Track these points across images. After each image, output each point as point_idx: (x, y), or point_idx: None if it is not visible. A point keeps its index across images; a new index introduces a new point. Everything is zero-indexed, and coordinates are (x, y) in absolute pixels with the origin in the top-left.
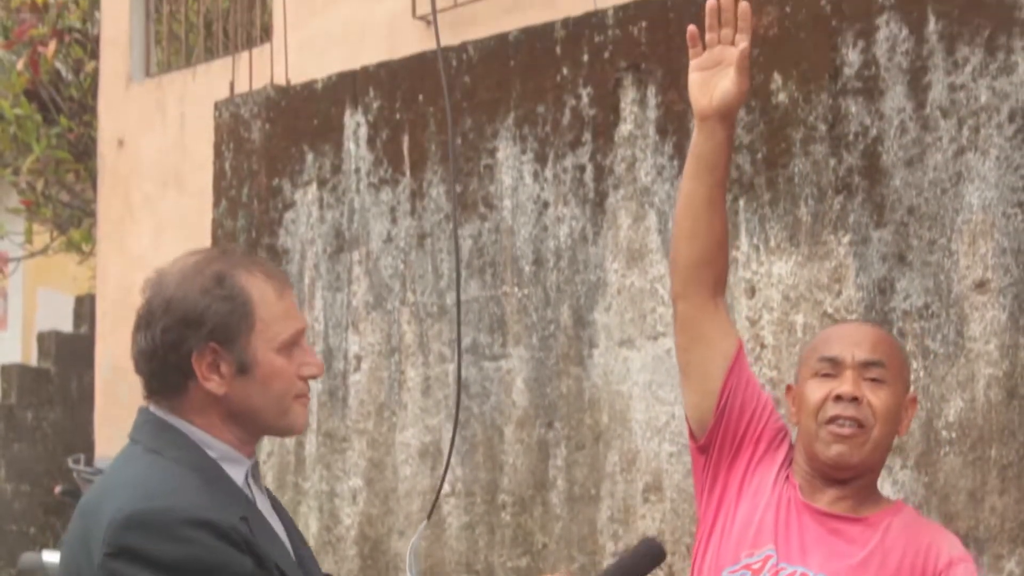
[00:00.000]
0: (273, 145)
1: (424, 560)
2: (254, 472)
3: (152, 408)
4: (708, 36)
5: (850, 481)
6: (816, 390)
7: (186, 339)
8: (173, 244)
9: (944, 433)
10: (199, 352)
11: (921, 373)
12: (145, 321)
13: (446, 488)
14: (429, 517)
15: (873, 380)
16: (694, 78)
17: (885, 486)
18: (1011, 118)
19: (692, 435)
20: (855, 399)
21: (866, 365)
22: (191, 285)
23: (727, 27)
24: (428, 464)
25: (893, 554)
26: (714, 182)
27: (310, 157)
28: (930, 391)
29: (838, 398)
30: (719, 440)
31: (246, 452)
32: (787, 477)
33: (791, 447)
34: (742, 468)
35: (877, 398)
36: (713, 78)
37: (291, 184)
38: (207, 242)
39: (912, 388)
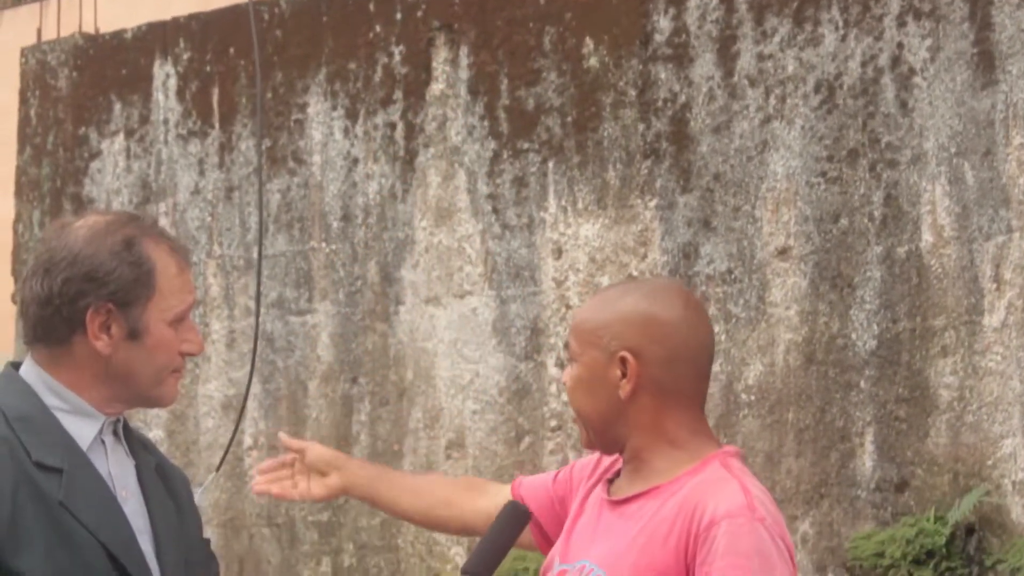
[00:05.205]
0: (80, 94)
1: (224, 512)
2: (122, 432)
3: (26, 359)
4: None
5: (627, 462)
6: None
7: (85, 295)
8: None
9: (743, 396)
10: (95, 310)
11: (723, 336)
12: (45, 268)
13: (248, 441)
14: (218, 469)
15: (569, 362)
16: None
17: None
18: (817, 89)
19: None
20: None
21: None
22: (101, 243)
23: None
24: (231, 417)
25: (664, 524)
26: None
27: (118, 107)
28: (731, 355)
29: None
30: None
31: (108, 411)
32: (603, 484)
33: (597, 464)
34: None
35: (567, 376)
36: (305, 481)
37: (98, 133)
38: (10, 189)
39: (621, 347)
